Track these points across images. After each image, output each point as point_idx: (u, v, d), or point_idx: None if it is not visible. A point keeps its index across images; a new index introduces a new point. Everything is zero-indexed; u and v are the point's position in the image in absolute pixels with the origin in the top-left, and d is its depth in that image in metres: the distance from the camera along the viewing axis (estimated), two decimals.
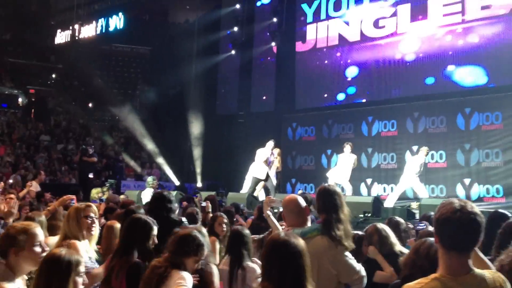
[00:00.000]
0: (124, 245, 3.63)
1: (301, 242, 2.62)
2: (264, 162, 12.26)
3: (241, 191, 12.69)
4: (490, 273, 2.29)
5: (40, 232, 3.06)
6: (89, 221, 4.13)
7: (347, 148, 12.31)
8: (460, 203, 2.22)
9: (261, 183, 12.39)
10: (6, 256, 2.93)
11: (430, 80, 13.83)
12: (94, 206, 4.30)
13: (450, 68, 13.49)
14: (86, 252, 3.95)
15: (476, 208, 2.24)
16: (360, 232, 4.88)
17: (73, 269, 2.65)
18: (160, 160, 18.24)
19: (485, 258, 2.47)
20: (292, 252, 2.55)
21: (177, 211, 4.81)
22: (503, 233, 3.75)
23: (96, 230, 4.22)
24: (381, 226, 4.56)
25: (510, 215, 4.89)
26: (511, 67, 12.35)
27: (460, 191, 12.62)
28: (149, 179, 11.63)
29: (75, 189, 13.07)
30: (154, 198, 4.69)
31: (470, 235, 2.22)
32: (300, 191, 13.95)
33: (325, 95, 16.17)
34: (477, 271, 2.24)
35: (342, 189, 12.58)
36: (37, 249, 2.94)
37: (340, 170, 12.31)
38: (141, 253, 3.59)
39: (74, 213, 4.14)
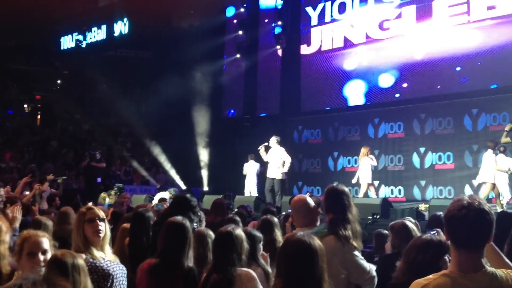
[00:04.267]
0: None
1: (317, 242, 2.57)
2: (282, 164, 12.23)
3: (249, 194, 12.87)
4: (503, 271, 2.25)
5: (42, 241, 3.03)
6: (94, 224, 3.51)
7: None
8: (468, 200, 2.20)
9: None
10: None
11: (436, 81, 13.79)
12: (96, 208, 3.71)
13: (457, 69, 13.44)
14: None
15: (485, 205, 2.20)
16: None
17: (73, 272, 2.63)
18: (166, 165, 18.22)
19: (503, 255, 2.43)
20: (309, 253, 2.51)
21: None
22: None
23: (103, 233, 3.55)
24: (410, 224, 4.50)
25: None
26: None
27: (468, 192, 12.54)
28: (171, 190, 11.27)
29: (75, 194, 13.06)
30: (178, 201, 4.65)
31: (477, 232, 2.19)
32: (308, 194, 13.92)
33: (331, 98, 16.13)
34: (489, 269, 2.21)
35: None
36: (34, 257, 2.89)
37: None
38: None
39: (76, 221, 3.61)
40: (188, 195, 4.67)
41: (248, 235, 4.22)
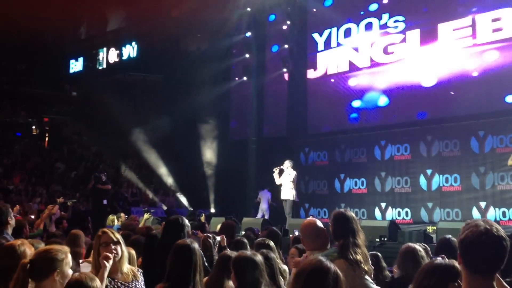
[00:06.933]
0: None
1: (335, 266, 2.56)
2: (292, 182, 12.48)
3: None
4: None
5: None
6: (108, 248, 3.61)
7: None
8: (486, 226, 2.22)
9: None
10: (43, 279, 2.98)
11: (442, 104, 13.84)
12: (110, 232, 3.76)
13: (462, 91, 13.49)
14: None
15: (502, 231, 2.23)
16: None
17: None
18: (173, 186, 18.27)
19: (505, 284, 2.45)
20: (329, 276, 2.49)
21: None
22: None
23: (119, 256, 3.66)
24: (418, 247, 4.53)
25: None
26: None
27: (476, 214, 12.50)
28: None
29: (84, 216, 13.12)
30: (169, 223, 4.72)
31: (495, 259, 2.21)
32: (310, 217, 13.91)
33: (337, 120, 16.20)
34: None
35: None
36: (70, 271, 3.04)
37: None
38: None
39: (93, 245, 3.75)
40: (178, 217, 4.78)
41: (266, 257, 4.33)
